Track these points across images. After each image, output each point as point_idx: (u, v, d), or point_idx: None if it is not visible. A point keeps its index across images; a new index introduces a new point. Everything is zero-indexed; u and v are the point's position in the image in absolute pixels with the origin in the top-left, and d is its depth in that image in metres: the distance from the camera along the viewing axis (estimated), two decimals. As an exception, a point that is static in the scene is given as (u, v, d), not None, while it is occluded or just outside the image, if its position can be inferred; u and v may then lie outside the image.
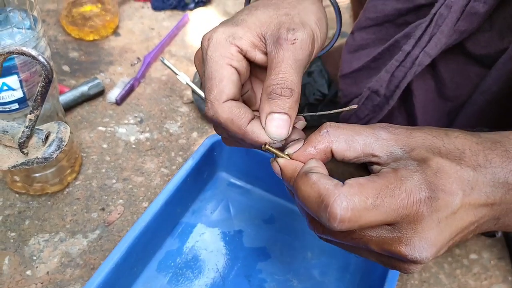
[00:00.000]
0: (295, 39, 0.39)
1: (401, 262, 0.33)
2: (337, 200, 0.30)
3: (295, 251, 0.60)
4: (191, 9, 1.02)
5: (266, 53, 0.40)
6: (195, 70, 0.83)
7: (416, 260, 0.32)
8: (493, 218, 0.35)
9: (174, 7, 1.01)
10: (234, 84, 0.39)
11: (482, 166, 0.33)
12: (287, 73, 0.38)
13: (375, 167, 0.36)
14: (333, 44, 0.48)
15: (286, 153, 0.38)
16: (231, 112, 0.38)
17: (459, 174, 0.32)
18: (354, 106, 0.40)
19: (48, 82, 0.37)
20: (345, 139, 0.35)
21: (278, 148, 0.39)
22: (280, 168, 0.37)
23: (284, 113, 0.38)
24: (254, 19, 0.40)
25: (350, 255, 0.60)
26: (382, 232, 0.32)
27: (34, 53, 0.35)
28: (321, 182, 0.32)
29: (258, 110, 0.40)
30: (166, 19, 0.98)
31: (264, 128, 0.38)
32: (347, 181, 0.32)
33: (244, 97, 0.43)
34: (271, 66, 0.39)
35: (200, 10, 1.02)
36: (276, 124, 0.38)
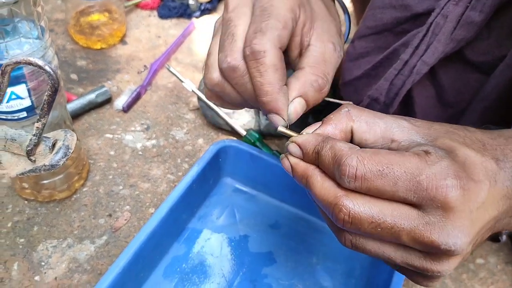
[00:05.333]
0: (341, 55, 0.40)
1: (426, 260, 0.32)
2: (348, 159, 0.31)
3: (300, 256, 0.61)
4: (197, 17, 1.03)
5: (295, 41, 0.40)
6: (201, 77, 0.84)
7: (450, 249, 0.30)
8: (508, 216, 0.34)
9: (180, 15, 1.02)
10: (288, 38, 0.38)
11: (500, 160, 0.33)
12: (330, 76, 0.39)
13: None
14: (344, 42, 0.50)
15: (304, 133, 0.37)
16: (280, 62, 0.37)
17: (485, 165, 0.31)
18: (349, 102, 0.41)
19: (54, 91, 0.38)
20: (366, 120, 0.35)
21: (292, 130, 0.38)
22: (301, 144, 0.35)
23: (308, 105, 0.39)
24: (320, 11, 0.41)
25: (355, 260, 0.60)
26: (410, 215, 0.31)
27: (40, 63, 0.36)
28: (337, 145, 0.32)
29: None
30: (173, 27, 0.99)
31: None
32: (367, 148, 0.32)
33: None
34: (320, 60, 0.38)
35: (206, 18, 1.03)
36: (297, 108, 0.38)
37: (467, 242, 0.30)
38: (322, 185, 0.33)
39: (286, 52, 0.40)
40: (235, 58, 0.38)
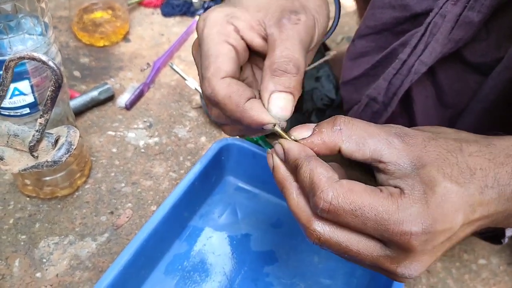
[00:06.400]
0: (298, 19, 0.38)
1: (391, 275, 0.35)
2: (323, 193, 0.32)
3: (302, 255, 0.60)
4: (200, 15, 1.03)
5: (264, 38, 0.39)
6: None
7: (406, 278, 0.34)
8: (492, 224, 0.36)
9: (184, 13, 1.02)
10: (232, 61, 0.38)
11: (489, 187, 0.33)
12: (292, 50, 0.37)
13: (381, 176, 0.35)
14: (332, 31, 0.48)
15: (293, 137, 0.37)
16: (230, 88, 0.37)
17: (465, 200, 0.32)
18: (333, 52, 0.41)
19: (57, 86, 0.38)
20: (356, 141, 0.35)
21: (283, 130, 0.37)
22: (285, 150, 0.36)
23: (289, 92, 0.37)
24: (252, 2, 0.40)
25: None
26: (374, 248, 0.33)
27: (44, 58, 0.36)
28: (317, 171, 0.33)
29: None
30: (176, 25, 0.99)
31: (267, 108, 0.37)
32: (344, 180, 0.33)
33: (245, 83, 0.41)
34: (274, 45, 0.37)
35: (209, 16, 1.03)
36: (280, 104, 0.37)
37: (423, 270, 0.33)
38: (297, 203, 0.35)
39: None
40: (210, 108, 0.41)
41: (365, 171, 0.69)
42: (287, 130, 0.38)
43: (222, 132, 0.78)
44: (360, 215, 0.32)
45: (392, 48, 0.52)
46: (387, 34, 0.54)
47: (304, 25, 0.38)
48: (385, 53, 0.53)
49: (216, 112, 0.40)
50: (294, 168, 0.35)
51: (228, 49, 0.38)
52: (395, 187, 0.33)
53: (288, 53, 0.37)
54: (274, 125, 0.37)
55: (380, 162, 0.34)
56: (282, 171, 0.37)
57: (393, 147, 0.34)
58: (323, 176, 0.33)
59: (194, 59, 0.43)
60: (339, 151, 0.35)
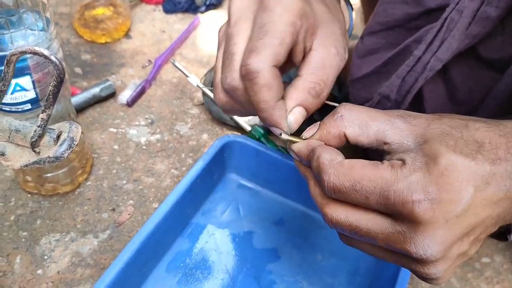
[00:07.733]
0: (344, 56, 0.41)
1: (413, 263, 0.33)
2: (325, 174, 0.34)
3: (305, 253, 0.60)
4: (202, 12, 1.02)
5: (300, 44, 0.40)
6: (206, 72, 0.83)
7: (422, 258, 0.31)
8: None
9: (185, 10, 1.01)
10: (286, 54, 0.38)
11: (502, 159, 0.32)
12: (330, 81, 0.39)
13: (386, 158, 0.35)
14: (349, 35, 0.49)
15: (303, 137, 0.38)
16: (274, 80, 0.37)
17: (472, 170, 0.31)
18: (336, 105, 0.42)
19: (60, 81, 0.37)
20: (359, 124, 0.36)
21: (293, 135, 0.40)
22: (297, 153, 0.38)
23: (309, 112, 0.40)
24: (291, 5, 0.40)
25: (360, 257, 0.60)
26: (383, 224, 0.33)
27: (46, 52, 0.36)
28: (321, 157, 0.35)
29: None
30: (177, 22, 0.99)
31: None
32: (345, 160, 0.34)
33: None
34: (316, 61, 0.39)
35: (211, 13, 1.03)
36: (297, 118, 0.39)
37: (440, 250, 0.31)
38: (314, 190, 0.37)
39: (290, 56, 0.41)
40: (234, 79, 0.39)
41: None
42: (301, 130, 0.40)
43: (224, 129, 0.77)
44: (360, 189, 0.32)
45: (405, 45, 0.51)
46: (399, 30, 0.53)
47: (343, 62, 0.41)
48: (397, 50, 0.52)
49: (232, 85, 0.39)
50: (308, 164, 0.38)
51: (290, 42, 0.38)
52: (398, 160, 0.33)
53: (327, 81, 0.39)
54: (280, 134, 0.39)
55: (385, 143, 0.35)
56: (302, 167, 0.39)
57: (395, 127, 0.35)
58: (326, 160, 0.34)
59: (219, 40, 0.43)
60: (347, 140, 0.36)
